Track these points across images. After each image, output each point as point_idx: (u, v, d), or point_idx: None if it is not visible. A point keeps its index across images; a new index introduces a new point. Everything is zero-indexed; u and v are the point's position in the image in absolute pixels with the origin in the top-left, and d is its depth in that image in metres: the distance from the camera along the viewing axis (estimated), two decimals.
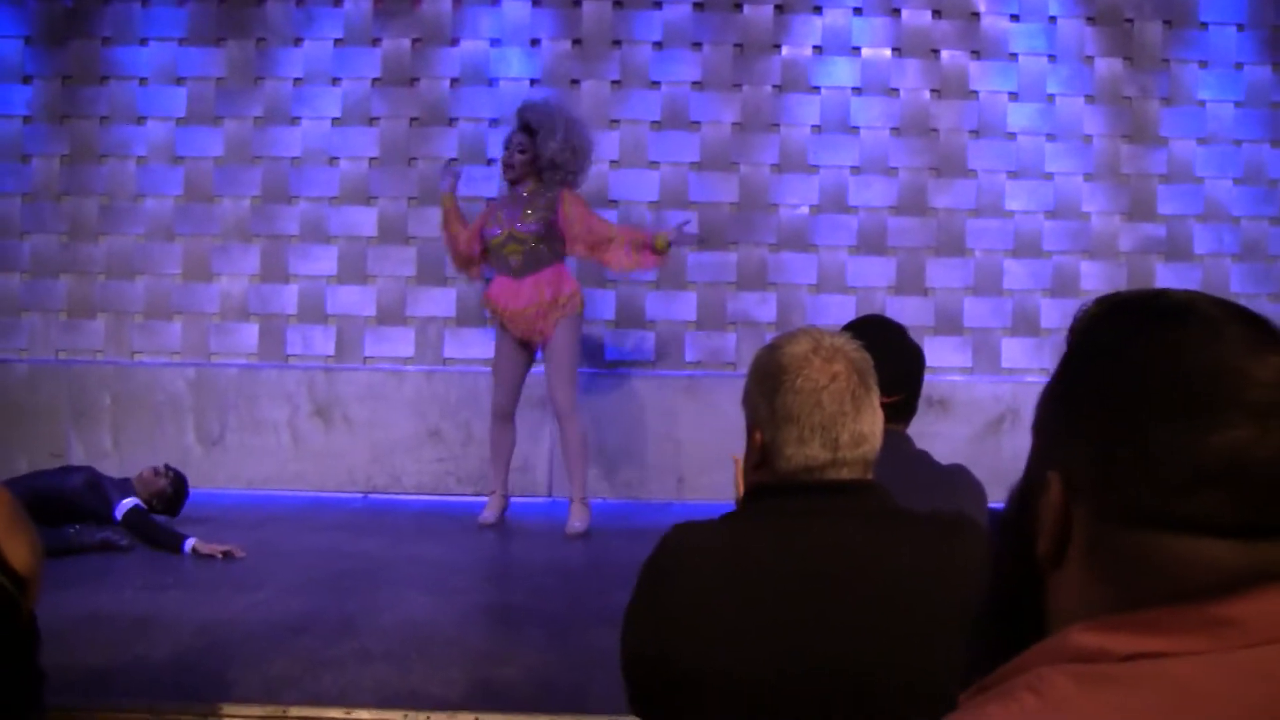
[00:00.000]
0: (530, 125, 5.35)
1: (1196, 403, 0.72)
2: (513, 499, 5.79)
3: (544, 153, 5.32)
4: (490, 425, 5.67)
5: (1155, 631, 0.71)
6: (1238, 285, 6.56)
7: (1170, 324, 0.76)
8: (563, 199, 5.35)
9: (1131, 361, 0.76)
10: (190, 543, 4.84)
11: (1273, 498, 0.71)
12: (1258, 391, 0.72)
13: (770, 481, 1.59)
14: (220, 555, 4.78)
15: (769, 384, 1.59)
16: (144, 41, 6.60)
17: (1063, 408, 0.81)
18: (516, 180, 5.39)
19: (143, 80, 6.60)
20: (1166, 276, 6.56)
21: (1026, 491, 0.81)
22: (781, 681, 1.45)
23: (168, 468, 5.35)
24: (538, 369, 5.58)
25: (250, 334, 6.55)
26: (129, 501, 5.03)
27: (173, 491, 5.28)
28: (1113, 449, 0.75)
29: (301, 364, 6.51)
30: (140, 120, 6.60)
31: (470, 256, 5.59)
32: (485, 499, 5.68)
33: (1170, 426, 0.72)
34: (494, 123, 6.51)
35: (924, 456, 2.39)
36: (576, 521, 5.46)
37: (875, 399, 1.60)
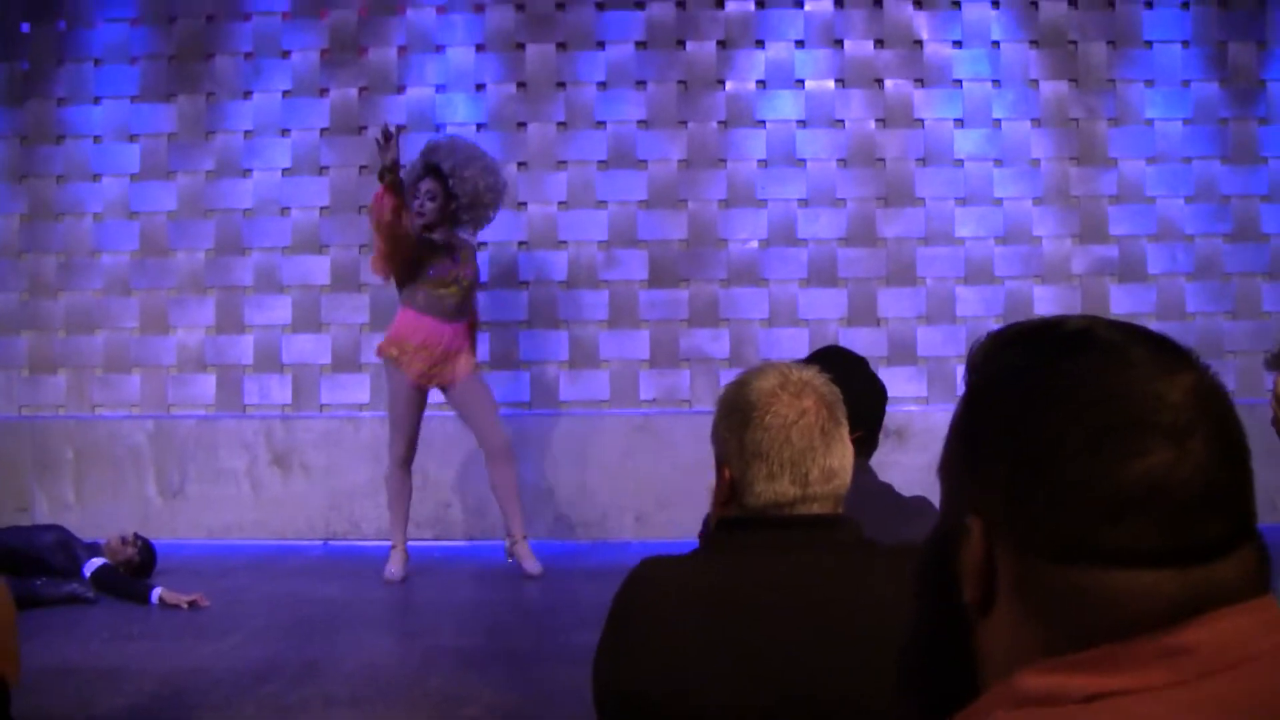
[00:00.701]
0: (439, 168, 5.27)
1: (1110, 430, 0.70)
2: (467, 542, 5.81)
3: (460, 194, 5.27)
4: (390, 476, 5.54)
5: (1109, 670, 0.68)
6: (1193, 304, 6.52)
7: (1071, 352, 0.74)
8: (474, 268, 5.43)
9: (1037, 394, 0.73)
10: (157, 591, 4.93)
11: (1198, 518, 0.70)
12: (1171, 414, 0.70)
13: (739, 515, 1.58)
14: (185, 605, 4.85)
15: (737, 419, 1.58)
16: (97, 100, 6.69)
17: (971, 447, 0.77)
18: (430, 227, 5.30)
19: (97, 138, 6.70)
20: (1120, 298, 6.53)
21: (944, 537, 0.78)
22: (752, 715, 1.45)
23: (136, 536, 5.42)
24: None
25: (208, 385, 6.61)
26: (97, 561, 5.12)
27: (140, 560, 5.35)
28: (1028, 486, 0.72)
29: (259, 413, 6.56)
30: (95, 178, 6.69)
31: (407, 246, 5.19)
32: (445, 542, 5.71)
33: (1085, 457, 0.70)
34: None
35: (887, 489, 2.40)
36: (531, 562, 5.46)
37: (845, 433, 1.60)
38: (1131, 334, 0.75)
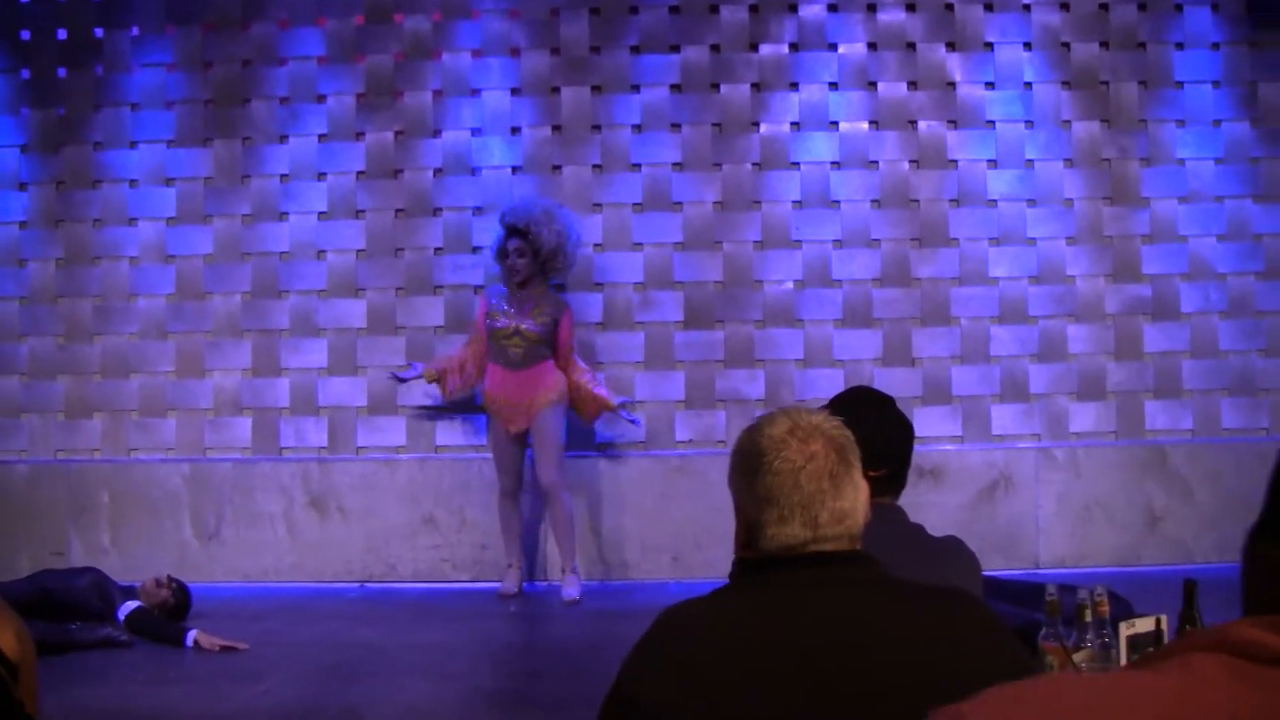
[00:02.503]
0: (518, 227, 5.83)
1: None
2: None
3: (542, 248, 5.85)
4: (498, 505, 6.07)
5: None
6: (1226, 342, 6.54)
7: None
8: (565, 319, 5.95)
9: None
10: (192, 634, 4.93)
11: None
12: None
13: (754, 558, 1.61)
14: (220, 649, 4.84)
15: (748, 466, 1.61)
16: (134, 145, 6.73)
17: None
18: (524, 283, 5.91)
19: (133, 182, 6.72)
20: (1154, 337, 6.55)
21: None
22: None
23: (170, 579, 5.41)
24: None
25: (244, 428, 6.62)
26: (132, 604, 5.12)
27: (175, 602, 5.35)
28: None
29: (295, 456, 6.57)
30: (132, 221, 6.72)
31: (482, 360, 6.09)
32: (483, 584, 5.90)
33: None
34: (478, 211, 6.59)
35: (917, 530, 2.38)
36: (571, 589, 5.84)
37: (857, 474, 1.61)
38: None
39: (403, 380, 6.24)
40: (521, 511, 6.09)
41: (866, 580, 1.58)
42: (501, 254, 5.96)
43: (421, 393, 6.49)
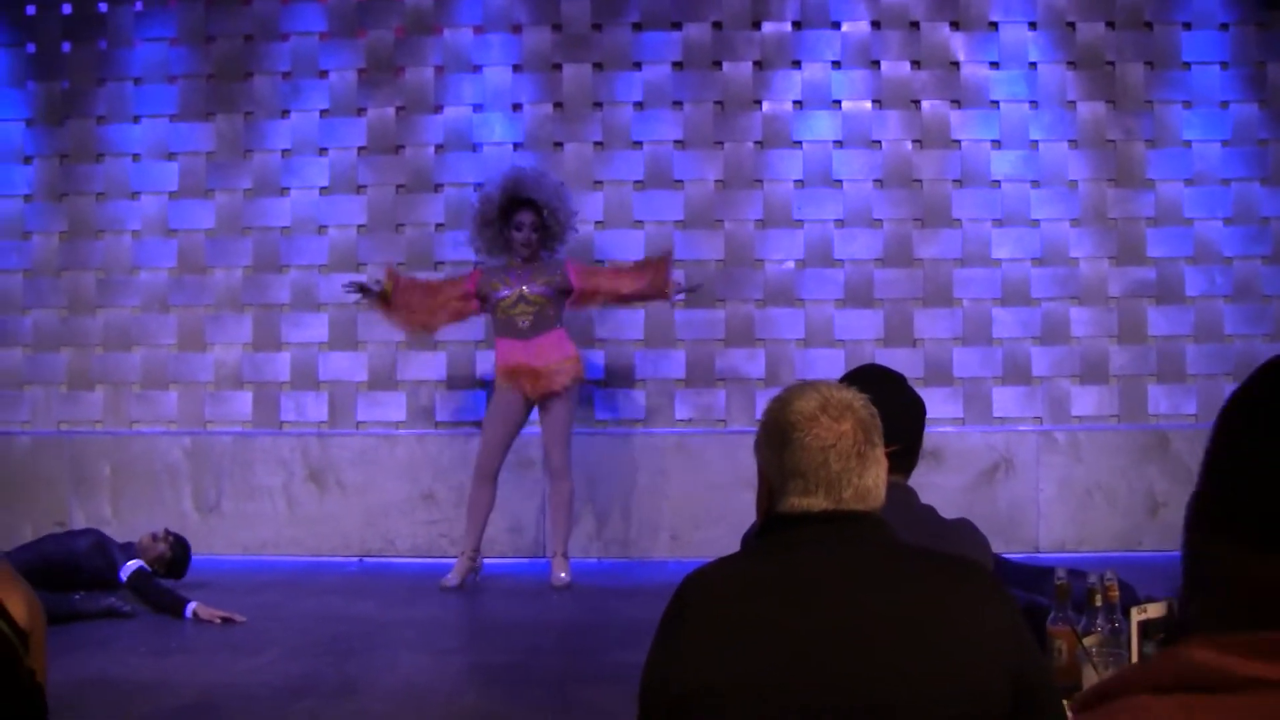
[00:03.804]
0: (536, 202, 5.67)
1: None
2: (505, 560, 5.86)
3: (554, 225, 5.71)
4: (472, 485, 5.76)
5: (1274, 658, 0.67)
6: (1231, 326, 6.49)
7: None
8: (570, 268, 5.74)
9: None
10: (192, 607, 4.95)
11: None
12: None
13: (778, 516, 1.64)
14: (220, 621, 4.86)
15: (777, 439, 1.64)
16: (137, 119, 6.75)
17: (1214, 443, 0.79)
18: (531, 256, 5.71)
19: (136, 157, 6.74)
20: (1158, 320, 6.50)
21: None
22: (791, 711, 1.48)
23: (167, 532, 5.44)
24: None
25: (244, 402, 6.64)
26: (134, 564, 5.14)
27: (172, 555, 5.37)
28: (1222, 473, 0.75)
29: (295, 430, 6.59)
30: (134, 195, 6.74)
31: (442, 302, 5.78)
32: (480, 560, 5.75)
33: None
34: (478, 187, 6.57)
35: (930, 511, 2.39)
36: (562, 573, 5.67)
37: (880, 452, 1.65)
38: None
39: (361, 290, 5.78)
40: (495, 497, 5.74)
41: (885, 541, 1.63)
42: (501, 224, 5.70)
43: (420, 365, 6.49)
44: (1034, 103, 6.57)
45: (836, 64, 6.60)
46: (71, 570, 5.09)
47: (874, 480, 1.63)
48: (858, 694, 1.47)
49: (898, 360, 6.26)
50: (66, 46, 6.80)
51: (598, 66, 6.64)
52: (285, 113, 6.70)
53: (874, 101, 6.59)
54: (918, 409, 2.49)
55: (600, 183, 6.60)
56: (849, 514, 1.60)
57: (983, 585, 1.60)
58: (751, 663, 1.50)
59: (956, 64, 6.59)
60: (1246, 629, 0.68)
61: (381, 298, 5.76)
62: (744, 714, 1.49)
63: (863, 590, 1.55)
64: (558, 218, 5.71)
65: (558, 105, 6.64)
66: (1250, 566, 0.69)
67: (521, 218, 5.65)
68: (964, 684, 1.47)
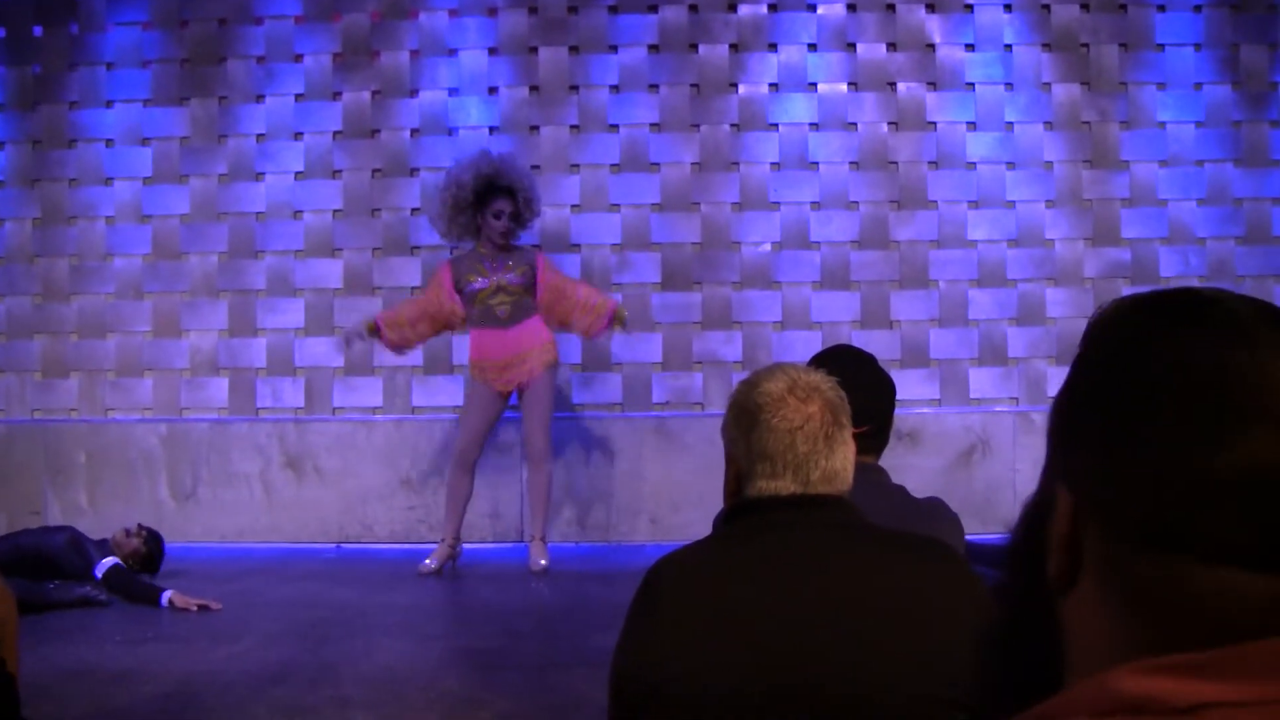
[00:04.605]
0: (514, 189, 5.62)
1: (1211, 409, 0.63)
2: (484, 545, 5.84)
3: (526, 212, 5.68)
4: (450, 472, 5.75)
5: (1218, 677, 0.61)
6: None
7: (1190, 322, 0.67)
8: (540, 264, 5.69)
9: (1140, 365, 0.67)
10: (168, 595, 4.93)
11: None
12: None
13: (745, 502, 1.63)
14: (196, 608, 4.84)
15: (745, 421, 1.63)
16: (109, 104, 6.70)
17: (1067, 416, 0.71)
18: (508, 245, 5.67)
19: (109, 142, 6.70)
20: None
21: (1037, 508, 0.72)
22: (761, 695, 1.47)
23: (140, 527, 5.41)
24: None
25: (220, 388, 6.61)
26: (109, 561, 5.11)
27: (147, 550, 5.34)
28: (1117, 461, 0.66)
29: (272, 416, 6.56)
30: (108, 181, 6.69)
31: (442, 319, 5.76)
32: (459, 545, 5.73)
33: (1178, 433, 0.64)
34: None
35: (900, 490, 2.39)
36: (541, 558, 5.64)
37: (848, 434, 1.65)
38: (1262, 312, 0.68)
39: (350, 342, 5.88)
40: (473, 485, 5.72)
41: (853, 524, 1.62)
42: (475, 211, 5.62)
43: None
44: (1009, 85, 6.59)
45: (812, 46, 6.60)
46: (46, 566, 5.05)
47: (842, 462, 1.62)
48: (827, 677, 1.47)
49: (874, 342, 6.30)
50: (38, 30, 6.74)
51: (574, 50, 6.63)
52: (260, 97, 6.66)
53: (850, 84, 6.60)
54: (888, 389, 2.48)
55: (576, 166, 6.59)
56: (817, 497, 1.60)
57: (951, 566, 1.60)
58: (721, 648, 1.49)
59: (932, 46, 6.60)
60: (1185, 648, 0.62)
61: (372, 333, 5.77)
62: (714, 699, 1.48)
63: (831, 574, 1.54)
64: (531, 205, 5.69)
65: (534, 89, 6.63)
66: (1196, 578, 0.63)
67: (500, 205, 5.59)
68: (934, 665, 1.47)
